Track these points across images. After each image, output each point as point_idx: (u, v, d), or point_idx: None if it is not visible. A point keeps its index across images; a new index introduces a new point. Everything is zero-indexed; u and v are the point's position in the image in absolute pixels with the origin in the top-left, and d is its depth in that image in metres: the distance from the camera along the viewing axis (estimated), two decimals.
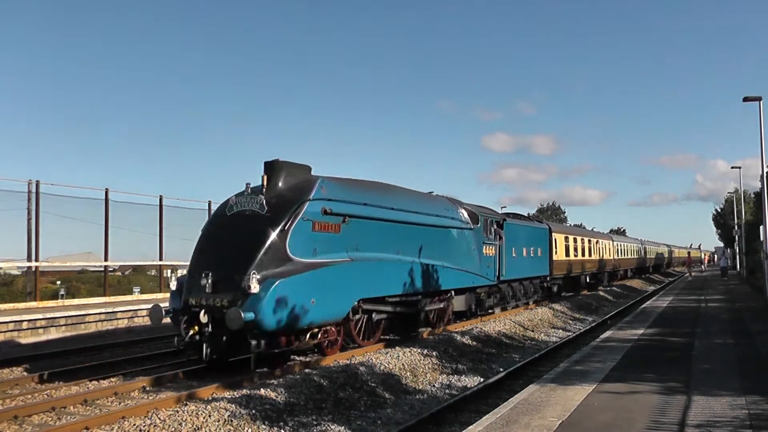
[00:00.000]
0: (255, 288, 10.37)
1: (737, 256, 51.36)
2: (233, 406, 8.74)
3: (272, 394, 9.44)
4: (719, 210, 74.48)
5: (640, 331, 14.69)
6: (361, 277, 12.82)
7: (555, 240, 28.33)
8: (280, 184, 12.08)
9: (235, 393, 9.43)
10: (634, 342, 12.94)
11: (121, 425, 7.85)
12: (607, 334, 14.57)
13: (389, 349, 13.64)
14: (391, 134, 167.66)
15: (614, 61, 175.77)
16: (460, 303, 17.99)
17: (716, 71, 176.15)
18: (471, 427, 6.69)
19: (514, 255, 22.13)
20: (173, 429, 7.86)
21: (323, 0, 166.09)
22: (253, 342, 10.66)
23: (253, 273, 10.45)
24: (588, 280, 36.01)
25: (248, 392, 9.42)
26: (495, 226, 20.43)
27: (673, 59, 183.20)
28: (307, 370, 11.27)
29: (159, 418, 8.03)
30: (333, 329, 12.43)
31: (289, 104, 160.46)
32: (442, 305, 16.98)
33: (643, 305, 23.76)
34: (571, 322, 23.57)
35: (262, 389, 9.57)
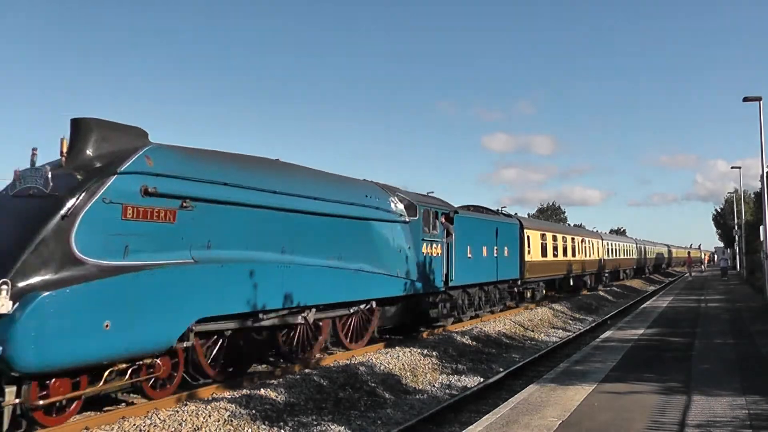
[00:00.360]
0: (5, 306, 7.00)
1: (737, 256, 51.35)
2: (233, 406, 8.75)
3: (272, 394, 9.45)
4: (719, 210, 74.41)
5: (640, 331, 14.69)
6: (211, 286, 9.23)
7: (528, 238, 24.64)
8: (88, 152, 8.47)
9: (235, 393, 9.43)
10: (634, 342, 12.94)
11: (121, 425, 7.85)
12: (607, 334, 14.58)
13: (389, 349, 13.65)
14: (391, 134, 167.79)
15: (614, 60, 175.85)
16: (391, 315, 14.88)
17: (716, 71, 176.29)
18: (471, 427, 6.69)
19: (469, 255, 18.33)
20: (173, 429, 7.87)
21: None
22: (8, 389, 7.22)
23: (4, 283, 7.05)
24: (572, 284, 32.39)
25: (248, 392, 9.43)
26: (442, 220, 16.70)
27: (673, 59, 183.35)
28: (307, 370, 11.27)
29: (159, 418, 8.03)
30: (159, 362, 8.83)
31: (287, 105, 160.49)
32: (358, 319, 13.70)
33: (643, 305, 23.78)
34: (571, 322, 23.58)
35: (262, 389, 9.58)
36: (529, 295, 25.45)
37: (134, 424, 7.87)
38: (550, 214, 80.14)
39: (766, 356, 10.99)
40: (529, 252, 24.54)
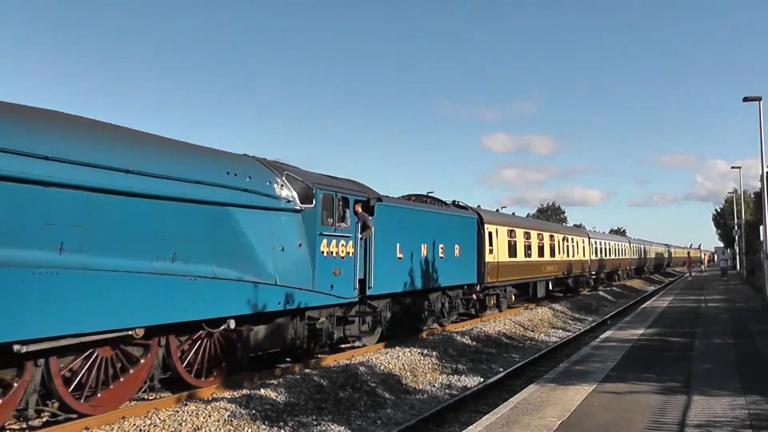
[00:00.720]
0: None
1: (737, 256, 51.34)
2: (233, 405, 8.75)
3: (272, 394, 9.45)
4: (719, 210, 74.41)
5: (640, 331, 14.69)
6: None
7: (490, 234, 20.81)
8: None
9: (235, 393, 9.44)
10: (634, 342, 12.94)
11: (121, 425, 7.85)
12: (607, 334, 14.57)
13: (389, 349, 13.65)
14: (391, 134, 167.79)
15: (614, 61, 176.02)
16: (267, 337, 10.99)
17: (717, 71, 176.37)
18: (471, 427, 6.69)
19: (399, 255, 14.55)
20: (173, 429, 7.87)
21: None
22: None
23: None
24: (551, 288, 28.90)
25: (248, 392, 9.43)
26: (358, 209, 12.89)
27: (674, 59, 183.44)
28: (307, 370, 11.27)
29: (159, 418, 8.03)
30: None
31: (287, 105, 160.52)
32: (215, 343, 10.14)
33: (643, 305, 23.77)
34: (571, 322, 23.58)
35: (262, 389, 9.59)
36: (492, 302, 21.58)
37: (134, 424, 7.88)
38: (550, 214, 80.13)
39: (766, 356, 10.99)
40: (491, 251, 20.76)
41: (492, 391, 11.19)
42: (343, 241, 12.38)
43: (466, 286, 19.19)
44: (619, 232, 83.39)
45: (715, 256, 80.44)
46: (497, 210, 28.22)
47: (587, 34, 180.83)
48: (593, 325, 21.54)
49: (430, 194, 19.92)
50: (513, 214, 29.64)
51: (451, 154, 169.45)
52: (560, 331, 21.13)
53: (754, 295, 26.56)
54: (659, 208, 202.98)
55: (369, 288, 13.25)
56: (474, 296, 19.77)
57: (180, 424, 7.97)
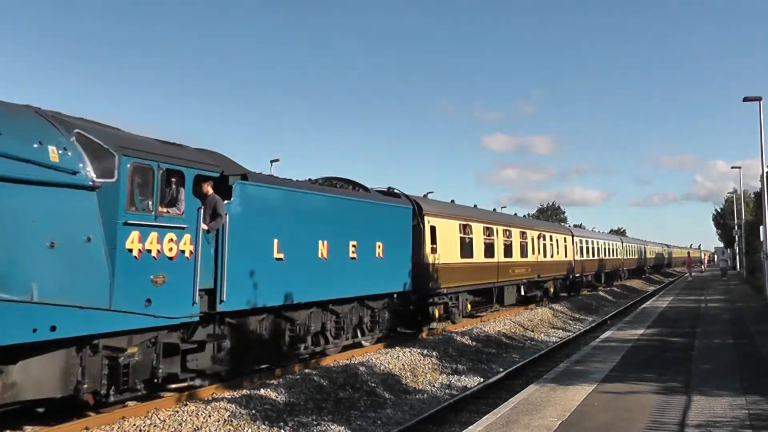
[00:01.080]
0: None
1: (737, 257, 51.34)
2: (233, 406, 8.76)
3: (272, 394, 9.46)
4: (719, 210, 74.38)
5: (640, 331, 14.69)
6: None
7: (433, 229, 16.69)
8: None
9: (235, 393, 9.44)
10: (634, 342, 12.94)
11: (121, 425, 7.85)
12: (607, 334, 14.58)
13: (389, 349, 13.65)
14: (391, 135, 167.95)
15: (614, 61, 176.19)
16: (29, 383, 7.19)
17: (717, 71, 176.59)
18: (471, 427, 6.70)
19: (278, 256, 10.82)
20: (173, 429, 7.87)
21: None
22: None
23: None
24: (524, 293, 24.45)
25: (248, 392, 9.44)
26: (208, 190, 9.44)
27: (673, 59, 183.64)
28: (307, 370, 11.27)
29: (159, 418, 8.03)
30: None
31: (288, 106, 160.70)
32: None
33: (643, 305, 23.78)
34: (570, 322, 23.58)
35: (262, 389, 9.59)
36: (438, 312, 16.91)
37: (134, 424, 7.88)
38: (550, 214, 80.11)
39: (766, 356, 10.99)
40: (434, 250, 16.60)
41: (492, 391, 11.20)
42: (172, 235, 8.63)
43: (396, 295, 15.04)
44: (619, 233, 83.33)
45: (715, 256, 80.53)
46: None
47: (587, 34, 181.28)
48: (593, 325, 21.54)
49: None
50: (478, 207, 23.01)
51: (451, 154, 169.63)
52: (560, 331, 21.13)
53: (754, 295, 26.57)
54: (659, 208, 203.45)
55: (221, 302, 9.52)
56: (411, 306, 15.96)
57: (180, 424, 7.98)
